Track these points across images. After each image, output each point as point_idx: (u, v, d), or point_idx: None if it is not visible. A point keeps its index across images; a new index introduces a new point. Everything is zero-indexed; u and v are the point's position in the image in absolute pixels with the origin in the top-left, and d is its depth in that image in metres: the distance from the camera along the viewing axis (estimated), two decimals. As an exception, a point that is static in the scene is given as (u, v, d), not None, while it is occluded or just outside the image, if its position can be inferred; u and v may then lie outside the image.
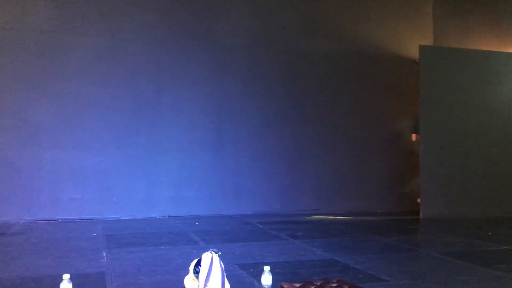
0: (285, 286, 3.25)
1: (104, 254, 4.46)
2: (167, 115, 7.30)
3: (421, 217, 7.24)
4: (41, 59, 6.79)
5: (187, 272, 3.13)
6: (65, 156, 6.80)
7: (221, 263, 2.98)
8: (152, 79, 7.26)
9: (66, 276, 2.90)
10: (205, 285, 2.88)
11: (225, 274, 2.98)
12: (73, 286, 2.94)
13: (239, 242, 5.23)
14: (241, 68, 7.69)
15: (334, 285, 3.21)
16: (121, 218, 6.86)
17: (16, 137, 6.65)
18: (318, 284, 3.24)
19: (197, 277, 2.97)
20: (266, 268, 3.16)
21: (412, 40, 8.36)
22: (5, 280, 3.56)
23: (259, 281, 3.32)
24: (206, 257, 2.94)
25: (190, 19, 7.49)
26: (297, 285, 3.22)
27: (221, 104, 7.57)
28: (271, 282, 3.13)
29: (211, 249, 3.00)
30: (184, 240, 5.27)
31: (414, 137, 7.81)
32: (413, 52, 8.10)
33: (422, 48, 7.49)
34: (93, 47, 7.02)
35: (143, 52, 7.24)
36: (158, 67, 7.30)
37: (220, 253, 3.00)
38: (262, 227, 6.27)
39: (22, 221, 6.47)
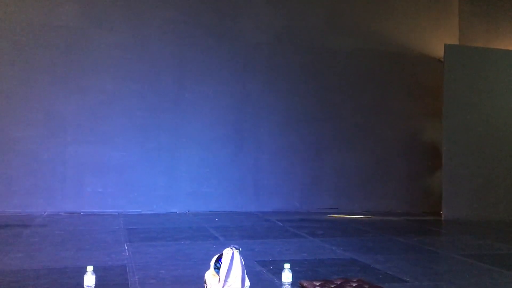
0: (305, 284, 3.25)
1: (126, 248, 4.53)
2: (188, 111, 7.35)
3: (442, 218, 7.16)
4: (67, 54, 6.90)
5: (207, 267, 3.15)
6: (88, 150, 6.91)
7: (242, 259, 2.99)
8: (174, 75, 7.32)
9: (89, 268, 2.96)
10: (225, 280, 2.90)
11: (245, 270, 3.00)
12: (96, 278, 3.00)
13: (259, 239, 5.25)
14: (263, 65, 7.70)
15: (354, 284, 3.21)
16: (142, 213, 6.94)
17: (40, 131, 6.78)
18: (338, 283, 3.23)
19: (218, 273, 2.99)
20: (286, 266, 3.16)
21: (438, 39, 8.25)
22: (30, 270, 3.64)
23: (279, 278, 3.32)
24: (227, 253, 2.96)
25: (213, 16, 7.52)
26: (317, 284, 3.22)
27: (243, 101, 7.60)
28: (291, 280, 3.13)
29: (231, 245, 3.01)
30: (204, 236, 5.31)
31: None
32: (438, 51, 8.00)
33: (447, 47, 7.39)
34: (118, 44, 7.11)
35: (166, 48, 7.30)
36: (181, 63, 7.35)
37: (240, 249, 3.01)
38: (282, 224, 6.27)
39: (46, 213, 6.60)
